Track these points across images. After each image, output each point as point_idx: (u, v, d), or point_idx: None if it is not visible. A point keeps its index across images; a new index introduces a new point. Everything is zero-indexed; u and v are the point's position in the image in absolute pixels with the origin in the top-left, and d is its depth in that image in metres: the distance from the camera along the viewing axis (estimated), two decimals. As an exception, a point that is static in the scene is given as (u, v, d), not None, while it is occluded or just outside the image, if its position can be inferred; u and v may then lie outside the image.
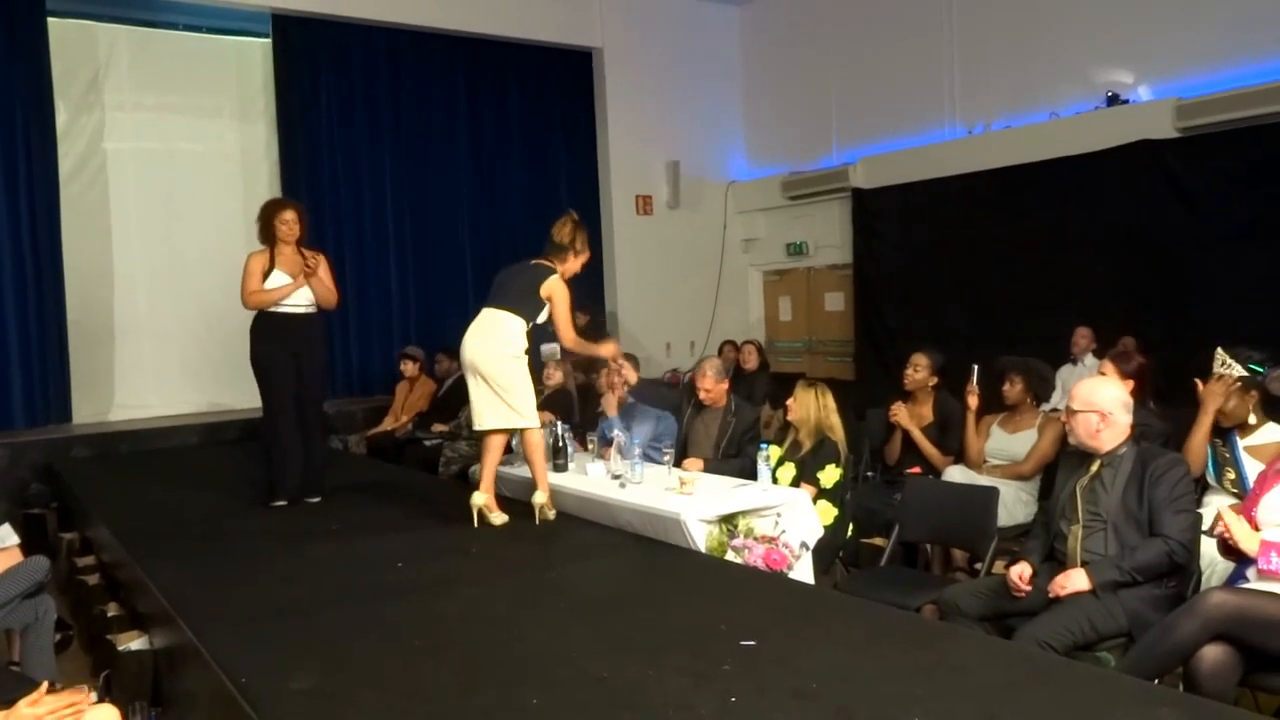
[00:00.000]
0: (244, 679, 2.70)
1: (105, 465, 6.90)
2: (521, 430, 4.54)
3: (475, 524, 4.42)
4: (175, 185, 8.37)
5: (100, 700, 3.63)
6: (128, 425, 7.93)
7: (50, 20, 7.81)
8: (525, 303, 4.47)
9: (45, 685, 2.53)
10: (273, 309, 5.06)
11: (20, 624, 3.76)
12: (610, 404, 5.52)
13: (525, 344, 4.47)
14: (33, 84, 7.70)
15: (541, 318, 4.51)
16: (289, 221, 5.10)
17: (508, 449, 5.42)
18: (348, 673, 2.78)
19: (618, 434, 5.02)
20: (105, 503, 5.40)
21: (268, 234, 5.11)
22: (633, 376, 5.72)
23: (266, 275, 5.04)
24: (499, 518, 4.49)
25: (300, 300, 5.11)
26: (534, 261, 4.58)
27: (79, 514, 5.88)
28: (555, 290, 4.49)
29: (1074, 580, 3.22)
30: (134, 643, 3.75)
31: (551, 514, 4.55)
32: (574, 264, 4.63)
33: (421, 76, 9.40)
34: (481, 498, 4.47)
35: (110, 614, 4.19)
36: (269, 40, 8.72)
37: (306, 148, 8.88)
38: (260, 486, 5.27)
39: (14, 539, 4.33)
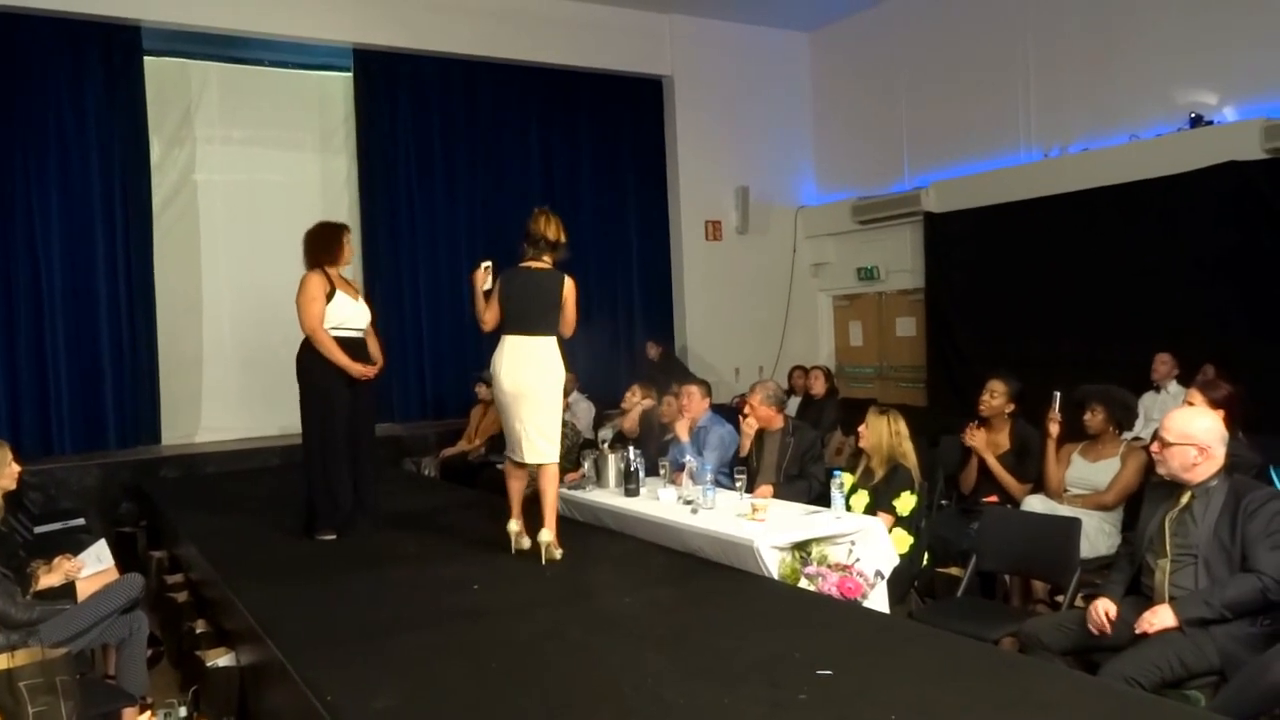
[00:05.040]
0: (330, 697, 2.77)
1: (192, 485, 7.12)
2: (543, 464, 4.40)
3: (543, 560, 4.28)
4: (260, 216, 8.64)
5: (189, 715, 3.77)
6: (213, 447, 8.19)
7: (146, 59, 8.18)
8: (550, 318, 4.37)
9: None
10: (335, 333, 4.87)
11: (116, 639, 3.90)
12: (682, 429, 5.54)
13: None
14: (129, 119, 8.08)
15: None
16: (350, 242, 5.05)
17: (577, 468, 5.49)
18: (429, 694, 2.84)
19: (689, 459, 5.04)
20: (192, 522, 5.57)
21: (332, 255, 4.94)
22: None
23: (330, 298, 4.87)
24: (558, 551, 4.35)
25: (359, 323, 5.00)
26: (532, 267, 4.43)
27: (167, 533, 6.07)
28: (571, 292, 4.41)
29: (1161, 617, 3.12)
30: (221, 659, 3.86)
31: (558, 553, 4.32)
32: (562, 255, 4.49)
33: (495, 106, 9.61)
34: (548, 535, 4.29)
35: (198, 630, 4.32)
36: (350, 75, 9.03)
37: (384, 177, 9.13)
38: (303, 518, 5.06)
39: (109, 560, 4.51)
